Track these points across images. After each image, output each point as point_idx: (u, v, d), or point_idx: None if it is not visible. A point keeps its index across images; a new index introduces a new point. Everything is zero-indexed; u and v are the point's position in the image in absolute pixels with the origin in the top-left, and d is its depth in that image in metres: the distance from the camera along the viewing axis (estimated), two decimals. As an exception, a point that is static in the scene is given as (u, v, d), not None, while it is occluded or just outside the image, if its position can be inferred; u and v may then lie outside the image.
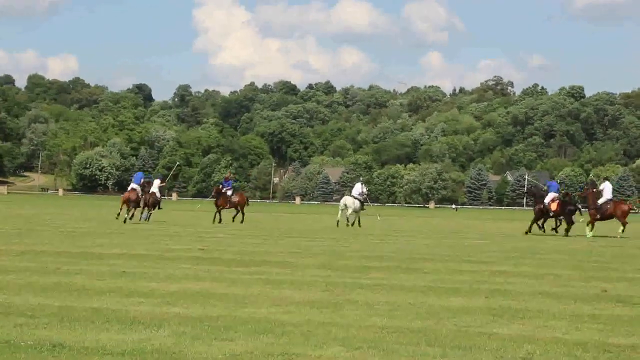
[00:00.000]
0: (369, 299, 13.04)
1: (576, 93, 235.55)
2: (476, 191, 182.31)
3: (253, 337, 9.58)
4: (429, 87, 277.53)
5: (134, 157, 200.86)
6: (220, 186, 46.56)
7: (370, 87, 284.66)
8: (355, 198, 43.33)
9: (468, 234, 39.23)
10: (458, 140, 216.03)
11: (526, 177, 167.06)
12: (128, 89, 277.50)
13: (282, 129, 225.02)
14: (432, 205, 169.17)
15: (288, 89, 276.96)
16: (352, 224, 42.60)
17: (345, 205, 43.18)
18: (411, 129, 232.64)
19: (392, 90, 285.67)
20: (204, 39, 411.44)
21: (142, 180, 42.57)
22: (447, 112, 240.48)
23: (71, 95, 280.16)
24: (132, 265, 17.58)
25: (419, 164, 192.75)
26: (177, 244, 24.80)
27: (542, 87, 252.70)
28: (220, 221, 43.48)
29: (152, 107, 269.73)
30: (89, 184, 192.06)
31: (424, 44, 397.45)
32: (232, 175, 49.67)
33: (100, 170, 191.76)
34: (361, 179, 48.28)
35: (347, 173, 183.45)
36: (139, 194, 41.73)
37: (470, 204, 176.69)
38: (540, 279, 16.47)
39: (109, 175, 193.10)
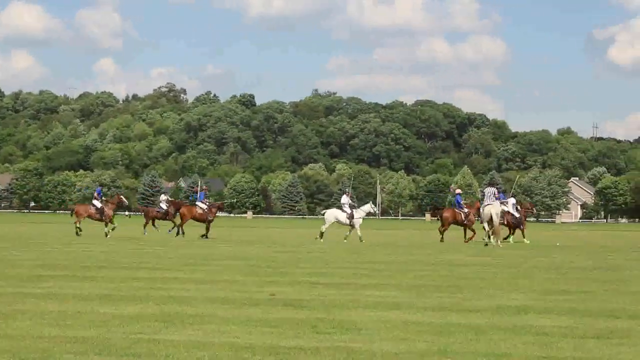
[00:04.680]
0: (40, 308, 12.73)
1: (247, 101, 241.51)
2: (150, 198, 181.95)
3: None
4: (102, 92, 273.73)
5: None
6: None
7: (41, 92, 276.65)
8: (344, 210, 42.38)
9: (143, 240, 39.07)
10: (131, 146, 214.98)
11: (199, 183, 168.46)
12: None
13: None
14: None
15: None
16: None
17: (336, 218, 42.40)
18: (83, 135, 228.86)
19: (63, 96, 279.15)
20: None
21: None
22: (121, 118, 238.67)
23: None
24: None
25: (92, 171, 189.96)
26: None
27: (215, 95, 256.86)
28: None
29: None
30: None
31: (97, 50, 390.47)
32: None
33: None
34: (347, 189, 46.19)
35: (17, 180, 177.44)
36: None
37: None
38: (214, 285, 16.71)
39: None
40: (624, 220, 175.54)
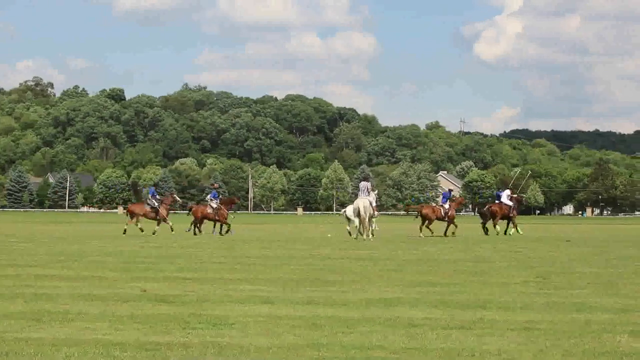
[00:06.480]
0: None
1: (117, 95, 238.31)
2: (17, 193, 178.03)
3: None
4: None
5: None
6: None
7: None
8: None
9: (12, 237, 38.18)
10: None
11: (68, 178, 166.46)
12: None
13: None
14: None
15: None
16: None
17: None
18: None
19: None
20: None
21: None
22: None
23: None
24: None
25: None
26: None
27: (83, 89, 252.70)
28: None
29: None
30: None
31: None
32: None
33: None
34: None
35: None
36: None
37: (12, 207, 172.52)
38: (84, 281, 16.43)
39: None
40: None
